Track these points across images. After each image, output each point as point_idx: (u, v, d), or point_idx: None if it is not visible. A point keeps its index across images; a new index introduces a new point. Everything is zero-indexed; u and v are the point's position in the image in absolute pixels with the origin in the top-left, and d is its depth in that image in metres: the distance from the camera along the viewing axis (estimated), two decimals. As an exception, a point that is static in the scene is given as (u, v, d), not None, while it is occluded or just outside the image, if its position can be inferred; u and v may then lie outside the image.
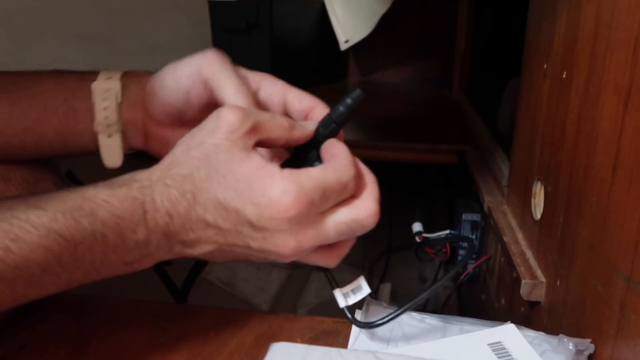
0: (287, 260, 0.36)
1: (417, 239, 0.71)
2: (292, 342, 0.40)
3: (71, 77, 0.46)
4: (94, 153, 0.47)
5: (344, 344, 0.41)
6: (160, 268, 0.77)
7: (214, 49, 0.43)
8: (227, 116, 0.35)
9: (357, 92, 0.39)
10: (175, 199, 0.34)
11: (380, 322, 0.40)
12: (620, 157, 0.33)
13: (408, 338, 0.40)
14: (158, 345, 0.41)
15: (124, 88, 0.45)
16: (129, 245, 0.34)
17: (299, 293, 1.27)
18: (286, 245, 0.34)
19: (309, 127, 0.39)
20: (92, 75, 0.46)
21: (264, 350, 0.38)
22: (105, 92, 0.44)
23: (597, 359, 0.36)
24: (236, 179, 0.34)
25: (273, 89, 0.43)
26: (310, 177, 0.34)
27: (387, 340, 0.40)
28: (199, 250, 0.36)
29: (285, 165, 0.39)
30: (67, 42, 1.49)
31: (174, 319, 0.44)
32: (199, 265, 0.54)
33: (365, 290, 0.41)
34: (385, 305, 0.43)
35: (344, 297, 0.41)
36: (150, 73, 0.46)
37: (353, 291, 0.41)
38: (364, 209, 0.36)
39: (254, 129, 0.35)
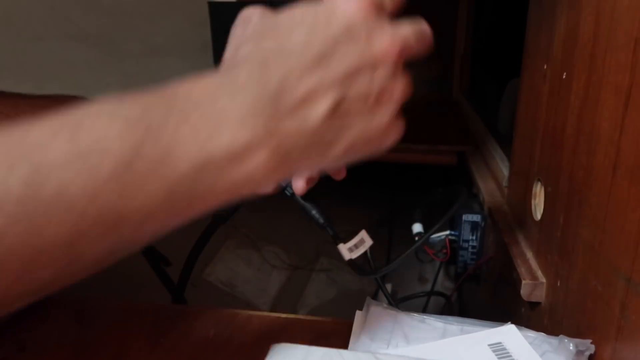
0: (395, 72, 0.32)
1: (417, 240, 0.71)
2: (293, 343, 0.40)
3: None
4: None
5: (344, 345, 0.41)
6: (160, 269, 0.77)
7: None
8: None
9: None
10: (258, 73, 0.29)
11: (385, 270, 0.44)
12: (620, 158, 0.33)
13: (408, 339, 0.40)
14: (158, 347, 0.41)
15: None
16: (211, 127, 0.27)
17: (299, 294, 1.27)
18: (384, 40, 0.31)
19: None
20: None
21: (264, 351, 0.38)
22: None
23: (597, 360, 0.36)
24: (303, 10, 0.31)
25: None
26: None
27: (388, 341, 0.40)
28: (320, 108, 0.29)
29: None
30: (67, 43, 1.49)
31: (174, 320, 0.44)
32: (193, 257, 0.53)
33: (368, 242, 0.43)
34: (385, 305, 0.43)
35: (348, 251, 0.43)
36: None
37: (356, 245, 0.43)
38: (423, 24, 0.37)
39: None
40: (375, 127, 0.32)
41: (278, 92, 0.29)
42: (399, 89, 0.33)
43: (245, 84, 0.28)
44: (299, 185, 0.43)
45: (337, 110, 0.30)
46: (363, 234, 0.44)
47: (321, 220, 0.45)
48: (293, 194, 0.45)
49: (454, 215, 0.55)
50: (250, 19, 0.33)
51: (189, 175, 0.26)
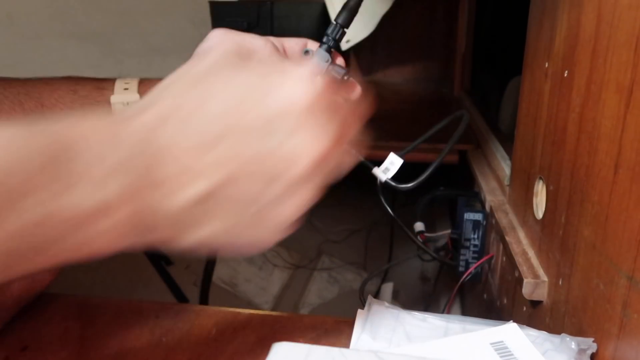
0: (313, 171, 0.27)
1: (419, 239, 0.71)
2: (294, 342, 0.40)
3: (86, 86, 0.45)
4: None
5: (346, 344, 0.41)
6: (162, 267, 0.77)
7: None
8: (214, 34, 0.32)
9: None
10: (151, 125, 0.26)
11: (416, 183, 0.48)
12: (622, 156, 0.33)
13: (410, 338, 0.40)
14: (160, 346, 0.41)
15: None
16: (71, 179, 0.24)
17: (301, 293, 1.27)
18: (306, 146, 0.27)
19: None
20: (107, 83, 0.45)
21: (265, 350, 0.38)
22: (125, 105, 0.44)
23: (599, 358, 0.36)
24: (246, 77, 0.28)
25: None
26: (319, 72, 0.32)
27: (389, 340, 0.40)
28: (191, 190, 0.26)
29: None
30: (68, 42, 1.49)
31: (176, 319, 0.44)
32: (209, 265, 0.54)
33: (398, 162, 0.46)
34: (387, 305, 0.43)
35: (383, 173, 0.46)
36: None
37: (387, 167, 0.46)
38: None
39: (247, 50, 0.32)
40: (249, 234, 0.28)
41: (156, 158, 0.25)
42: (295, 205, 0.28)
43: (131, 135, 0.25)
44: None
45: (209, 199, 0.26)
46: (392, 156, 0.47)
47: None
48: None
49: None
50: (215, 50, 0.31)
51: (30, 225, 0.23)
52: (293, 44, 0.48)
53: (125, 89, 0.45)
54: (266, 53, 0.37)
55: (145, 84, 0.46)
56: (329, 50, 0.47)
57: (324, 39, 0.47)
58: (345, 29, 0.47)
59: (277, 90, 0.27)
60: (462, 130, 0.50)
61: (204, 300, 0.55)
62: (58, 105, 0.44)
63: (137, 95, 0.44)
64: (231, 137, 0.26)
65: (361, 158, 0.47)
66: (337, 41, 0.47)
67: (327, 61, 0.47)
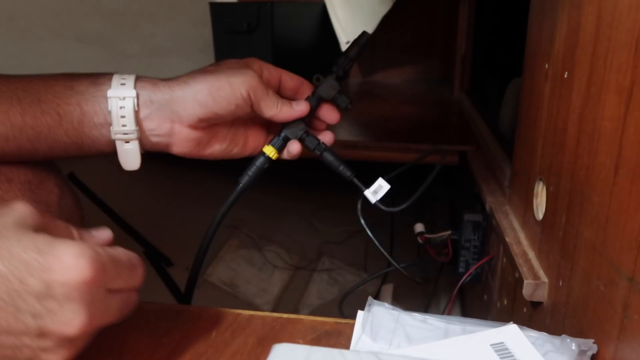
0: (67, 349, 0.32)
1: (419, 240, 0.71)
2: (294, 343, 0.40)
3: (83, 81, 0.45)
4: (110, 155, 0.47)
5: (346, 345, 0.41)
6: (162, 269, 0.77)
7: (254, 66, 0.49)
8: (19, 206, 0.34)
9: (364, 34, 0.52)
10: None
11: (405, 205, 0.52)
12: (622, 157, 0.33)
13: (410, 339, 0.40)
14: (160, 347, 0.41)
15: (140, 95, 0.45)
16: None
17: (301, 294, 1.27)
18: (76, 319, 0.31)
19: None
20: (104, 78, 0.46)
21: (266, 351, 0.38)
22: (122, 100, 0.45)
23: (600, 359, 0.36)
24: (23, 249, 0.31)
25: (270, 73, 0.51)
26: (103, 247, 0.34)
27: (389, 341, 0.40)
28: None
29: None
30: (68, 44, 1.49)
31: (176, 320, 0.44)
32: (197, 264, 0.54)
33: (385, 187, 0.51)
34: (387, 306, 0.43)
35: (372, 195, 0.51)
36: (160, 79, 0.47)
37: (376, 190, 0.52)
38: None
39: (43, 227, 0.34)
40: None
41: None
42: (59, 358, 0.32)
43: None
44: (295, 147, 0.51)
45: None
46: (380, 180, 0.52)
47: (348, 174, 0.52)
48: (322, 152, 0.52)
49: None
50: (12, 212, 0.33)
51: None
52: (288, 78, 0.52)
53: (122, 84, 0.45)
54: (61, 228, 0.37)
55: (142, 80, 0.46)
56: (338, 79, 0.52)
57: (334, 68, 0.52)
58: (354, 62, 0.52)
59: (52, 266, 0.31)
60: (437, 170, 0.57)
61: (187, 299, 0.55)
62: (55, 101, 0.44)
63: (134, 91, 0.45)
64: (3, 300, 0.30)
65: (353, 178, 0.52)
66: (346, 73, 0.53)
67: (336, 89, 0.52)
